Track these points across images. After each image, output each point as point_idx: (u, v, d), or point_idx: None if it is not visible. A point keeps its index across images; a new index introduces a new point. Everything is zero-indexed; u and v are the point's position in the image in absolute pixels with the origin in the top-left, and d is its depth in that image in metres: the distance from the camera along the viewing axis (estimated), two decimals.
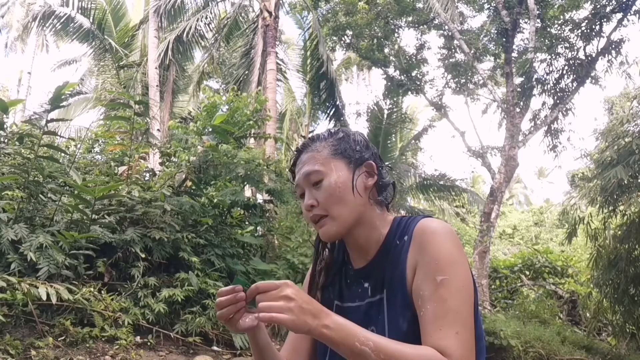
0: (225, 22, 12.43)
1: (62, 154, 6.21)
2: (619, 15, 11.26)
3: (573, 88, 11.86)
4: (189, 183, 6.40)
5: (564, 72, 11.90)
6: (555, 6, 12.26)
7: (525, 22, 12.19)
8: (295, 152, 1.21)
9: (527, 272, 12.24)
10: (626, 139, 7.58)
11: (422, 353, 0.93)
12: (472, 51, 12.39)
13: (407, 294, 1.04)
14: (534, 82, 11.91)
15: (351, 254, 1.19)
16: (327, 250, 1.23)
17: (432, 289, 0.99)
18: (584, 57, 11.67)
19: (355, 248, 1.16)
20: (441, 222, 1.08)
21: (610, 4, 11.31)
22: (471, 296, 1.01)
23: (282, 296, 0.92)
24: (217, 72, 14.61)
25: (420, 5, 13.63)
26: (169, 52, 11.85)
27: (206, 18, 12.08)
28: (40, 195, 5.14)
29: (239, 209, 6.77)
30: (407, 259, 1.06)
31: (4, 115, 5.17)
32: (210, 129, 7.10)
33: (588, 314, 9.98)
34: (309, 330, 0.93)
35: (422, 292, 1.00)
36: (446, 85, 14.49)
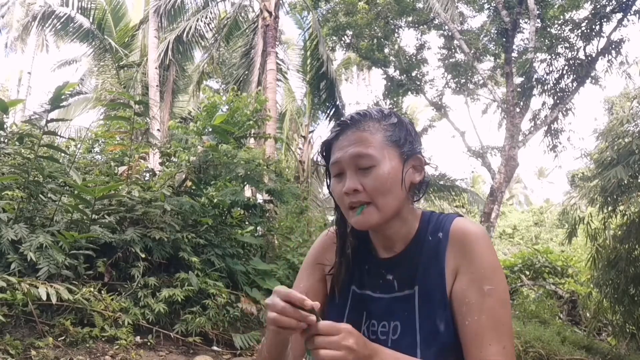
0: (225, 22, 12.44)
1: (62, 154, 6.19)
2: (619, 15, 11.26)
3: (573, 88, 11.86)
4: (189, 183, 6.39)
5: (564, 72, 11.90)
6: (555, 6, 12.26)
7: (525, 22, 12.19)
8: (337, 125, 1.10)
9: (527, 272, 12.22)
10: (626, 139, 7.57)
11: None
12: (472, 51, 12.39)
13: (446, 295, 1.02)
14: (534, 82, 11.91)
15: (375, 243, 1.14)
16: (353, 237, 1.15)
17: (480, 299, 0.98)
18: (584, 57, 11.67)
19: (381, 238, 1.12)
20: (478, 226, 1.07)
21: (610, 4, 11.31)
22: (510, 302, 1.02)
23: (344, 346, 0.87)
24: (217, 72, 14.61)
25: (420, 5, 13.64)
26: (169, 52, 11.86)
27: (206, 18, 12.08)
28: (40, 195, 5.13)
29: (239, 209, 6.77)
30: (446, 261, 1.03)
31: (4, 115, 5.17)
32: (210, 129, 7.10)
33: (588, 314, 9.97)
34: None
35: (468, 300, 0.99)
36: (446, 85, 14.51)
